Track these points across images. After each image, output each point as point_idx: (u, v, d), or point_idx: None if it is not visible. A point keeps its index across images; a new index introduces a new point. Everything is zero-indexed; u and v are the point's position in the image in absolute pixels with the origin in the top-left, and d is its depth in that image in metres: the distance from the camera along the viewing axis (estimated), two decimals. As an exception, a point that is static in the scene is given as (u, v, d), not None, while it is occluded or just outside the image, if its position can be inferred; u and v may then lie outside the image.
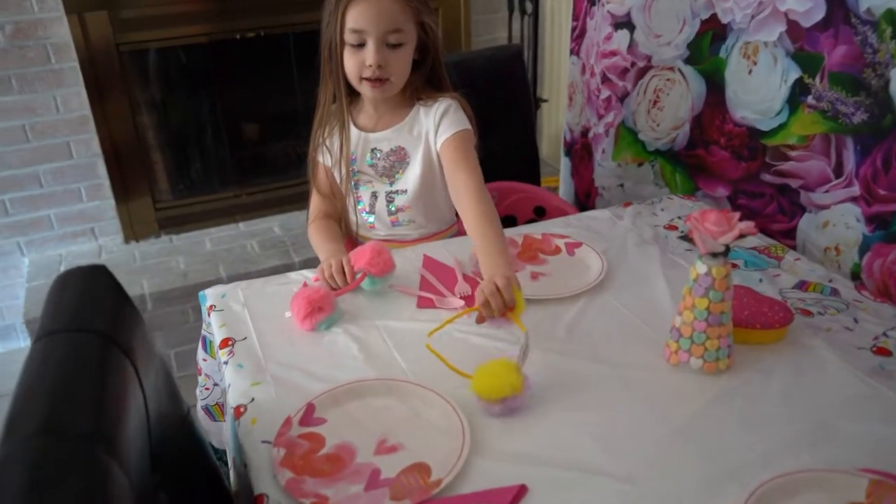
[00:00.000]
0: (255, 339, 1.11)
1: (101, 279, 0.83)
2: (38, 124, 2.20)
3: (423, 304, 1.18)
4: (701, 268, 0.96)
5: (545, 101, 2.36)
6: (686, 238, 0.96)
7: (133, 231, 2.42)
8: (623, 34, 1.70)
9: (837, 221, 1.34)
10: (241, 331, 1.13)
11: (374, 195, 1.39)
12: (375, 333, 1.11)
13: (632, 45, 1.69)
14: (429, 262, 1.29)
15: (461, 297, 1.19)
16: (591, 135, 1.90)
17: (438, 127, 1.33)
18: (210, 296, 1.25)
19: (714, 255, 0.96)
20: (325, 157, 1.40)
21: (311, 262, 1.48)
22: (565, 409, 0.94)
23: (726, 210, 0.96)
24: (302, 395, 0.97)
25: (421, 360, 1.04)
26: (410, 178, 1.37)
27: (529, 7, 2.55)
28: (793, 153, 1.41)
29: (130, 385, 0.74)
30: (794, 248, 1.45)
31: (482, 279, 1.13)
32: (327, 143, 1.38)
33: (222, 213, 2.54)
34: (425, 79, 1.36)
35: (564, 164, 2.09)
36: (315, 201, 1.45)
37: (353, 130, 1.37)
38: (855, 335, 1.07)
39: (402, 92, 1.34)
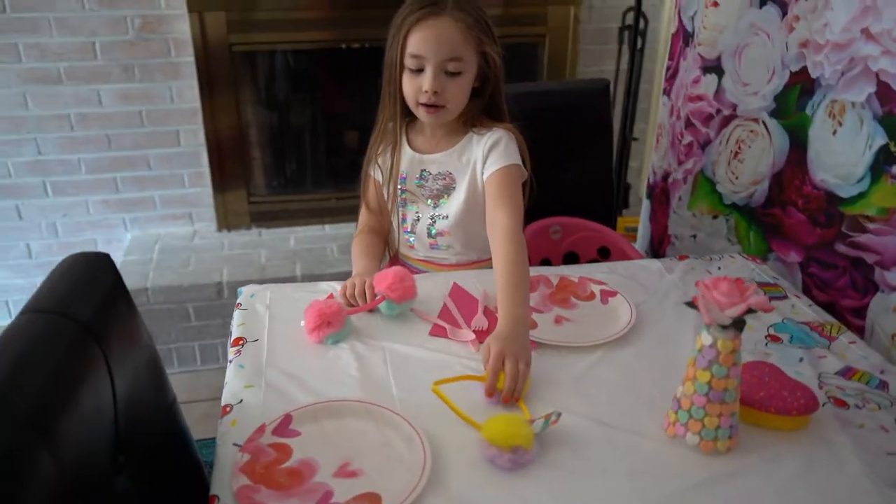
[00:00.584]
0: (265, 343, 1.14)
1: (102, 268, 0.89)
2: (153, 112, 2.37)
3: (436, 332, 1.17)
4: (706, 339, 0.89)
5: (635, 139, 2.28)
6: (691, 305, 0.89)
7: (226, 220, 2.56)
8: (711, 79, 1.62)
9: (909, 307, 1.21)
10: (255, 332, 1.17)
11: (418, 216, 1.40)
12: (379, 355, 1.11)
13: (719, 91, 1.61)
14: (456, 291, 1.28)
15: (474, 331, 1.16)
16: (670, 180, 1.82)
17: (487, 158, 1.31)
18: (244, 293, 1.30)
19: (724, 326, 0.89)
20: (377, 173, 1.42)
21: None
22: (539, 465, 0.89)
23: (741, 280, 0.88)
24: (287, 404, 0.99)
25: (413, 390, 1.03)
26: (454, 204, 1.36)
27: (640, 42, 2.48)
28: (871, 225, 1.28)
29: (95, 372, 0.78)
30: (861, 329, 1.32)
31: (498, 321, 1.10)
32: (380, 160, 1.40)
33: (311, 213, 2.63)
34: (483, 107, 1.35)
35: (645, 206, 2.01)
36: (363, 215, 1.47)
37: (407, 150, 1.38)
38: (890, 437, 0.96)
39: (458, 118, 1.34)
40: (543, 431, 0.92)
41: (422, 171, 1.38)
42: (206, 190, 2.52)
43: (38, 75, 2.26)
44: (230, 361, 1.10)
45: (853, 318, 1.34)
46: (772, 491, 0.87)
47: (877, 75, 1.23)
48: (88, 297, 0.83)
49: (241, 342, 1.14)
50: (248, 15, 2.29)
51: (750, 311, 0.86)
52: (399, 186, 1.40)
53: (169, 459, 0.95)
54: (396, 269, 1.22)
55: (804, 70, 1.39)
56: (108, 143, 2.38)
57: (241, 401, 1.01)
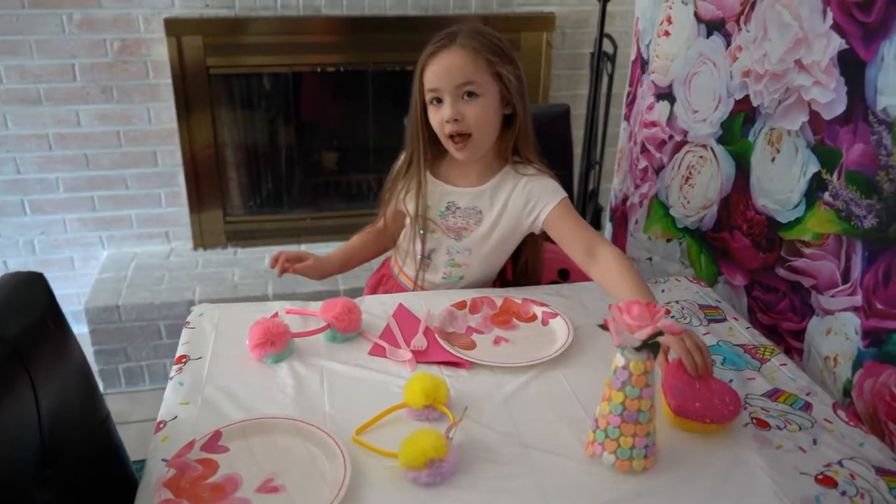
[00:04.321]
0: (207, 361, 1.17)
1: (35, 288, 0.92)
2: (130, 132, 2.42)
3: (375, 351, 1.20)
4: (620, 360, 0.92)
5: (598, 162, 2.32)
6: (603, 327, 0.92)
7: (202, 239, 2.59)
8: (664, 106, 1.66)
9: (839, 330, 1.24)
10: (199, 351, 1.19)
11: (437, 245, 1.42)
12: (316, 374, 1.14)
13: (671, 118, 1.64)
14: (400, 311, 1.31)
15: (412, 351, 1.19)
16: (628, 203, 1.86)
17: (538, 199, 1.35)
18: (194, 312, 1.33)
19: (637, 349, 0.91)
20: (401, 205, 1.43)
21: (357, 292, 1.56)
22: (455, 485, 0.91)
23: (653, 304, 0.91)
24: (220, 420, 1.01)
25: (344, 409, 1.06)
26: (476, 238, 1.39)
27: (611, 68, 2.52)
28: (807, 250, 1.31)
29: (17, 389, 0.81)
30: (801, 351, 1.35)
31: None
32: (405, 195, 1.41)
33: (287, 233, 2.67)
34: (515, 139, 1.36)
35: (608, 229, 2.04)
36: (376, 224, 1.54)
37: (433, 180, 1.40)
38: (805, 458, 0.98)
39: (494, 153, 1.37)
40: (454, 434, 0.95)
41: (448, 202, 1.39)
42: (182, 209, 2.55)
43: (18, 96, 2.31)
44: (170, 378, 1.13)
45: (793, 341, 1.37)
46: (680, 509, 0.89)
47: (809, 105, 1.27)
48: (15, 315, 0.86)
49: (184, 360, 1.17)
50: (225, 39, 2.34)
51: (658, 333, 0.89)
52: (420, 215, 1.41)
53: (99, 474, 0.97)
54: (346, 300, 1.25)
55: (747, 98, 1.43)
56: (86, 162, 2.42)
57: (176, 417, 1.03)
